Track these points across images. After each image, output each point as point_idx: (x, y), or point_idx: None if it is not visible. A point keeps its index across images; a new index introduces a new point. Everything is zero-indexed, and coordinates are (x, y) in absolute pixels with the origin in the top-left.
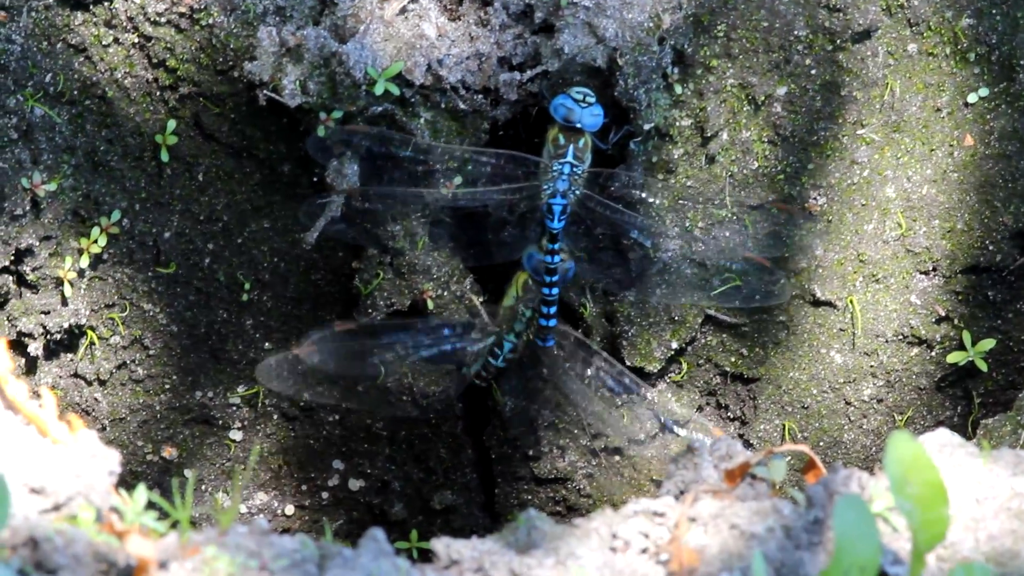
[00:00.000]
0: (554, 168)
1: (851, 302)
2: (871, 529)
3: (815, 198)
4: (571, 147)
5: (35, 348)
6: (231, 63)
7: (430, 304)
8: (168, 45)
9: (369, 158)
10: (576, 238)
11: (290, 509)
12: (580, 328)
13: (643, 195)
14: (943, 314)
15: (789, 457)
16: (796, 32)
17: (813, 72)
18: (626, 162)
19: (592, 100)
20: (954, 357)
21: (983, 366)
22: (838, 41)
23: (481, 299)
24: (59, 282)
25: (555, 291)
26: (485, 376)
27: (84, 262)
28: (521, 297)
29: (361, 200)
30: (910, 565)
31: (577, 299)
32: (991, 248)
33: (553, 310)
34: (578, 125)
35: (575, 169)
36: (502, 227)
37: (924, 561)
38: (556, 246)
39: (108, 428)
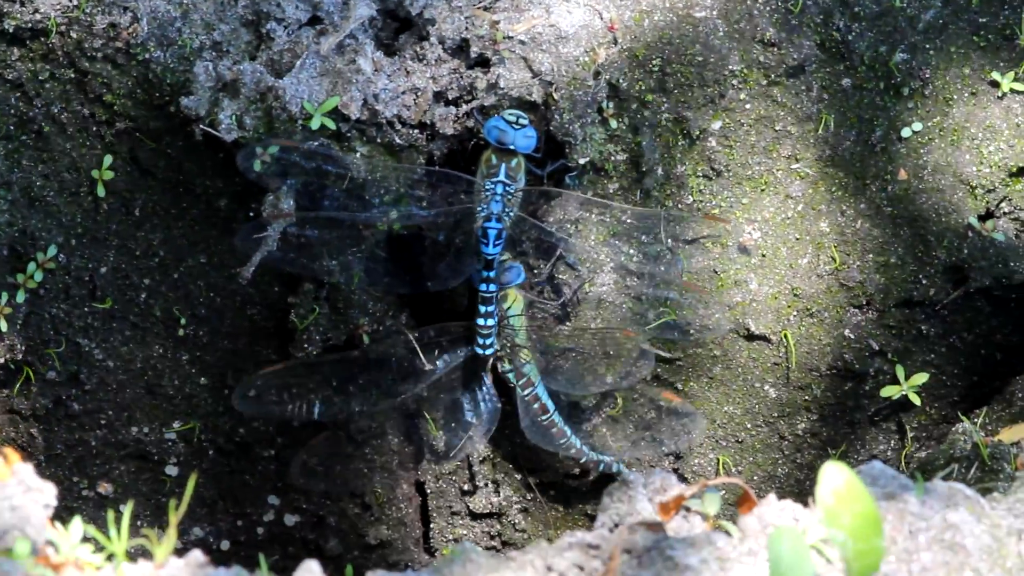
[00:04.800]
0: (487, 187)
1: (785, 336)
2: (805, 560)
3: (749, 232)
4: (503, 166)
5: None
6: (168, 98)
7: (366, 339)
8: (105, 80)
9: (305, 189)
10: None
11: (226, 544)
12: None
13: (577, 216)
14: (876, 348)
15: (723, 490)
16: (731, 67)
17: (748, 106)
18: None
19: (525, 122)
20: (888, 391)
21: (916, 400)
22: (772, 76)
23: (415, 334)
24: None
25: (490, 321)
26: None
27: (20, 297)
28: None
29: (298, 226)
30: None
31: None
32: (924, 282)
33: (489, 341)
34: (511, 146)
35: (508, 188)
36: (437, 254)
37: None
38: (491, 273)
39: (44, 464)
